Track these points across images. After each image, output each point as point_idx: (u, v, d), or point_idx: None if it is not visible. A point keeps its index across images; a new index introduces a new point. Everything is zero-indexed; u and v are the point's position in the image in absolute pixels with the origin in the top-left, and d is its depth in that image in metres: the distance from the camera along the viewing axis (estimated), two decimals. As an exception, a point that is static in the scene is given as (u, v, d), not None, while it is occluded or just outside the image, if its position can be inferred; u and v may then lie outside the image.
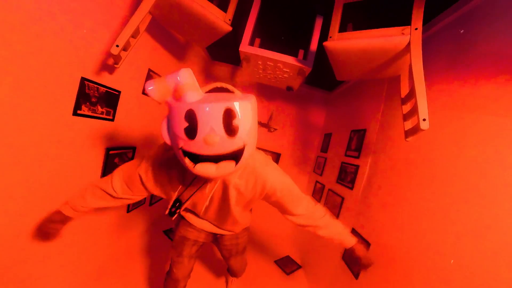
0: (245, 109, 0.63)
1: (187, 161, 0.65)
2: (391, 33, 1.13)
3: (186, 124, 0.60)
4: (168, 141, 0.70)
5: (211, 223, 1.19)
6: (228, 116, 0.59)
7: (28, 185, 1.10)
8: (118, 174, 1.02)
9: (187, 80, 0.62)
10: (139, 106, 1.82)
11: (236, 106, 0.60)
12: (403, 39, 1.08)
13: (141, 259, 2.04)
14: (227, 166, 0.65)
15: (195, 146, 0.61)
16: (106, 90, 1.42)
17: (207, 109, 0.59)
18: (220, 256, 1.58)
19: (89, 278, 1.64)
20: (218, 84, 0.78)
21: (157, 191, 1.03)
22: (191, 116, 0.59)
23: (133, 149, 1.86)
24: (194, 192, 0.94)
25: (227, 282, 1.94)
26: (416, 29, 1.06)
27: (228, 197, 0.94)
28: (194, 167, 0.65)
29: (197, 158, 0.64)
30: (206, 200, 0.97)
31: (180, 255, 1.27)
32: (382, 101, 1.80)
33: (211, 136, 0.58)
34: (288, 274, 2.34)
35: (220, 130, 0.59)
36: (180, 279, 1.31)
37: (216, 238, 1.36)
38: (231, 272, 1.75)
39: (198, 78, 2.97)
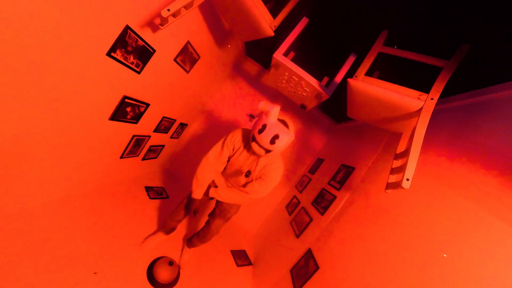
0: (283, 139, 1.24)
1: (252, 140, 1.31)
2: (409, 94, 1.14)
3: (261, 128, 1.24)
4: (252, 128, 1.34)
5: (227, 181, 1.68)
6: (274, 137, 1.23)
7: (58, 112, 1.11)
8: (210, 156, 1.51)
9: (275, 112, 1.24)
10: (165, 70, 1.82)
11: (281, 135, 1.23)
12: (417, 103, 1.09)
13: (117, 201, 2.04)
14: (261, 151, 1.30)
15: (258, 138, 1.26)
16: (143, 45, 1.42)
17: (271, 129, 1.23)
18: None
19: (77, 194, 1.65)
20: (285, 119, 1.37)
21: (228, 152, 1.51)
22: (264, 126, 1.24)
23: (146, 105, 1.86)
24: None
25: (182, 251, 1.98)
26: (432, 99, 1.07)
27: (256, 164, 1.43)
28: (252, 143, 1.30)
29: (256, 142, 1.28)
30: (246, 161, 1.48)
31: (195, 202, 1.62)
32: (378, 149, 1.81)
33: (265, 139, 1.24)
34: (238, 266, 2.35)
35: (268, 139, 1.23)
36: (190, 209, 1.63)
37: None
38: (192, 242, 1.91)
39: (226, 68, 2.96)
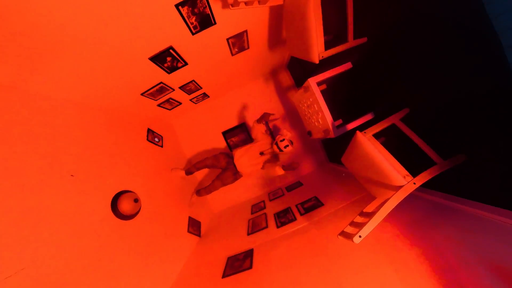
0: (289, 149, 2.22)
1: (275, 143, 2.26)
2: (398, 169, 1.14)
3: (282, 139, 2.22)
4: (276, 138, 2.28)
5: (245, 161, 2.36)
6: (286, 146, 2.19)
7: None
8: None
9: (290, 135, 2.28)
10: (214, 44, 1.82)
11: (289, 146, 2.20)
12: (401, 181, 1.10)
13: (118, 127, 2.04)
14: (277, 150, 2.24)
15: (279, 143, 2.21)
16: (209, 14, 1.42)
17: (286, 142, 2.21)
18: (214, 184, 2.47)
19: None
20: (292, 140, 2.32)
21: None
22: (283, 140, 2.22)
23: (185, 63, 1.87)
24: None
25: (192, 196, 2.64)
26: (414, 183, 1.08)
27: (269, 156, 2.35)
28: (274, 145, 2.27)
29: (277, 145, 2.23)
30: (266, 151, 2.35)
31: (218, 157, 2.47)
32: (350, 200, 1.83)
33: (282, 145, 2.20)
34: (188, 231, 2.37)
35: (283, 146, 2.19)
36: (209, 165, 2.49)
37: (232, 168, 2.40)
38: (200, 192, 2.53)
39: (264, 68, 2.95)
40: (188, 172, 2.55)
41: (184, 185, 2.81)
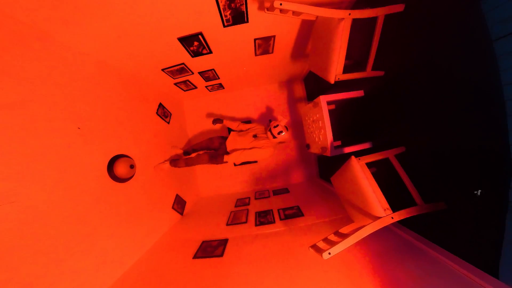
0: (283, 135, 2.03)
1: (268, 130, 2.07)
2: (381, 201, 1.15)
3: (275, 125, 2.03)
4: (270, 124, 2.08)
5: (237, 141, 2.17)
6: (280, 132, 2.01)
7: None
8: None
9: (284, 121, 2.07)
10: (241, 41, 1.82)
11: (283, 132, 2.02)
12: (380, 212, 1.11)
13: (132, 93, 2.05)
14: (270, 136, 2.05)
15: (273, 130, 2.03)
16: (244, 12, 1.42)
17: (280, 128, 2.02)
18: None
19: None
20: (287, 126, 2.11)
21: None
22: (277, 125, 2.03)
23: (209, 52, 1.87)
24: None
25: (164, 161, 2.37)
26: (392, 218, 1.09)
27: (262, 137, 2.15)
28: (267, 132, 2.08)
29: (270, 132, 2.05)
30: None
31: (213, 139, 2.33)
32: (331, 218, 1.84)
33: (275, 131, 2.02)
34: (172, 208, 2.38)
35: (277, 132, 2.01)
36: (204, 147, 2.37)
37: (223, 149, 2.20)
38: (175, 162, 2.32)
39: (282, 75, 2.94)
40: (186, 152, 2.48)
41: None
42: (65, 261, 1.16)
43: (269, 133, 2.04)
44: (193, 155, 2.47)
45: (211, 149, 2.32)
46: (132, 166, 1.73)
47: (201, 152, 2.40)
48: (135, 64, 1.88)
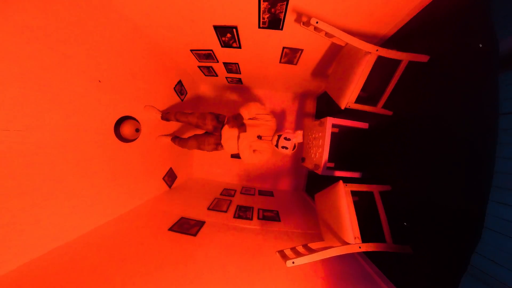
0: (287, 151, 1.75)
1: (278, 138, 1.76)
2: (354, 229, 1.15)
3: (286, 137, 1.73)
4: (282, 132, 1.79)
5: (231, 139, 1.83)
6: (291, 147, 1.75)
7: None
8: None
9: (298, 137, 1.79)
10: (270, 46, 1.82)
11: (288, 148, 1.74)
12: (350, 239, 1.12)
13: (154, 65, 2.05)
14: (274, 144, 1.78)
15: (281, 140, 1.74)
16: (281, 19, 1.42)
17: (289, 142, 1.73)
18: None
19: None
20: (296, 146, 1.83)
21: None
22: (289, 139, 1.72)
23: (238, 47, 1.86)
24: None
25: (167, 135, 2.26)
26: (360, 247, 1.09)
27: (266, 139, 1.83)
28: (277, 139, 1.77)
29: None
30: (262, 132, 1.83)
31: (205, 116, 1.90)
32: (304, 231, 1.85)
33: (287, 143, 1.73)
34: (162, 178, 2.39)
35: (283, 144, 1.73)
36: (193, 124, 1.92)
37: (217, 136, 1.90)
38: (175, 139, 2.18)
39: (298, 88, 2.93)
40: (164, 117, 2.01)
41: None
42: (48, 200, 1.16)
43: (274, 137, 1.76)
44: (184, 136, 2.32)
45: (202, 129, 1.92)
46: (137, 130, 1.74)
47: (190, 136, 2.07)
48: (167, 38, 1.88)
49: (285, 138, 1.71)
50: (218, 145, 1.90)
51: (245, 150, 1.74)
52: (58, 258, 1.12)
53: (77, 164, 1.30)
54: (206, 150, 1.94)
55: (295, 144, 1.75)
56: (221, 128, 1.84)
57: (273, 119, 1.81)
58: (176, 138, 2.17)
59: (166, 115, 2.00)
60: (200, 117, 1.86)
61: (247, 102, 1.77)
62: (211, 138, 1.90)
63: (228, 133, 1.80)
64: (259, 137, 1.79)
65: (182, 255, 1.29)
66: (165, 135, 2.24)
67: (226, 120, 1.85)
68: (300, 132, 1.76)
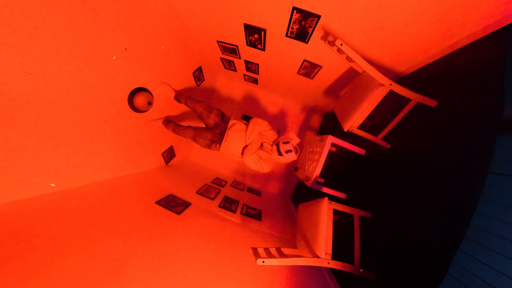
0: (289, 156, 1.56)
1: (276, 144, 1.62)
2: (327, 245, 1.16)
3: (286, 141, 1.55)
4: (280, 138, 1.64)
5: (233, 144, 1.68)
6: (288, 151, 1.54)
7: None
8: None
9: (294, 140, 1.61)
10: (291, 56, 1.82)
11: (291, 153, 1.56)
12: (321, 253, 1.13)
13: (175, 44, 2.05)
14: (275, 151, 1.61)
15: (281, 145, 1.57)
16: (308, 33, 1.42)
17: (290, 146, 1.54)
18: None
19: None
20: (297, 148, 1.65)
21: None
22: (287, 142, 1.56)
23: (263, 49, 1.86)
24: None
25: (158, 119, 2.01)
26: (328, 263, 1.10)
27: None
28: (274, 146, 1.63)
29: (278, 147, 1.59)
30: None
31: (211, 109, 1.78)
32: (281, 236, 1.85)
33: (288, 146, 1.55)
34: (161, 154, 2.40)
35: (285, 150, 1.55)
36: (197, 112, 1.81)
37: (217, 134, 1.76)
38: (168, 122, 1.98)
39: (308, 101, 2.92)
40: (177, 98, 2.00)
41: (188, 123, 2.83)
42: (54, 149, 1.17)
43: (274, 147, 1.59)
44: (183, 124, 2.09)
45: (203, 121, 1.80)
46: (149, 103, 1.75)
47: (187, 125, 1.92)
48: (198, 24, 1.88)
49: (284, 142, 1.55)
50: (213, 143, 1.71)
51: (253, 155, 1.62)
52: (46, 204, 1.13)
53: (85, 120, 1.31)
54: (200, 144, 1.76)
55: (296, 147, 1.59)
56: (225, 129, 1.72)
57: (274, 131, 1.74)
58: (170, 122, 1.97)
59: (179, 96, 1.98)
60: (206, 109, 1.76)
61: (260, 120, 1.72)
62: (208, 134, 1.73)
63: (235, 136, 1.66)
64: (261, 145, 1.69)
65: (163, 230, 1.31)
66: (156, 119, 2.00)
67: (230, 124, 1.70)
68: (291, 133, 1.63)
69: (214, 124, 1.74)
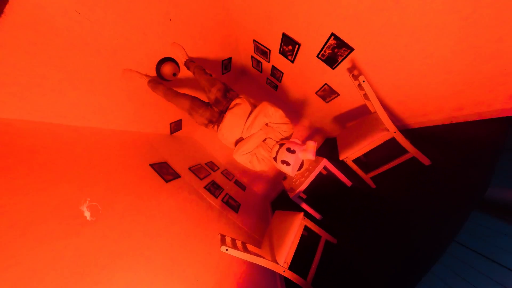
0: (287, 169, 1.11)
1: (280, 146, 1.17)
2: (288, 255, 1.17)
3: (292, 150, 1.10)
4: (287, 141, 1.18)
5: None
6: (285, 162, 1.10)
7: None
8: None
9: (308, 153, 1.07)
10: (314, 75, 1.82)
11: (290, 166, 1.10)
12: (281, 260, 1.14)
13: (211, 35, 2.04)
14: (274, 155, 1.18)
15: (283, 150, 1.13)
16: (336, 60, 1.43)
17: (296, 160, 1.09)
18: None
19: None
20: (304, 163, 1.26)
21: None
22: (293, 151, 1.09)
23: (291, 61, 1.87)
24: None
25: (145, 75, 1.56)
26: (283, 271, 1.11)
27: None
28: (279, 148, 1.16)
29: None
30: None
31: (215, 82, 1.37)
32: (251, 233, 1.86)
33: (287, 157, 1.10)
34: (169, 123, 2.41)
35: (285, 157, 1.10)
36: (202, 83, 1.45)
37: (215, 113, 1.35)
38: (157, 83, 1.56)
39: (316, 121, 2.92)
40: (187, 64, 1.67)
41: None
42: (74, 84, 1.18)
43: (275, 146, 1.17)
44: (180, 91, 1.50)
45: (204, 92, 1.42)
46: (174, 75, 1.76)
47: (185, 93, 1.46)
48: (242, 18, 1.87)
49: (288, 150, 1.08)
50: (210, 124, 1.33)
51: (246, 155, 1.22)
52: (48, 131, 1.11)
53: (109, 71, 1.31)
54: (196, 120, 1.38)
55: (302, 161, 1.13)
56: (225, 109, 1.29)
57: (290, 125, 1.28)
58: (159, 84, 1.53)
59: (190, 62, 1.64)
60: (210, 81, 1.37)
61: (271, 107, 1.21)
62: (207, 111, 1.32)
63: (233, 121, 1.23)
64: (264, 139, 1.26)
65: (147, 190, 1.31)
66: (140, 73, 1.52)
67: (233, 103, 1.27)
68: (312, 144, 1.06)
69: (214, 100, 1.33)
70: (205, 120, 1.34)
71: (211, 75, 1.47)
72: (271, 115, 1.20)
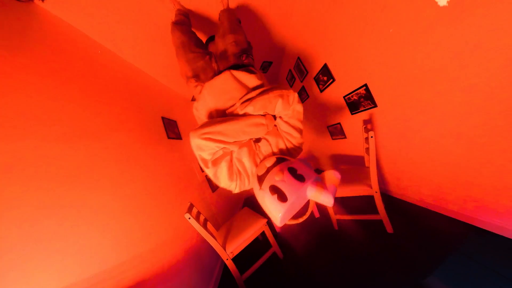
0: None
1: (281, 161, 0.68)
2: (238, 248, 1.18)
3: (301, 175, 0.62)
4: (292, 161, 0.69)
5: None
6: (279, 192, 0.60)
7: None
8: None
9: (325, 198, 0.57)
10: (331, 111, 1.81)
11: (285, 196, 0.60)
12: (230, 248, 1.14)
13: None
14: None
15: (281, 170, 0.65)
16: (357, 108, 1.43)
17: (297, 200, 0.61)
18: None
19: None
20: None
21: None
22: (303, 177, 0.61)
23: (321, 91, 1.86)
24: None
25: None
26: (227, 259, 1.12)
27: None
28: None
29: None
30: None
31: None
32: (219, 212, 1.87)
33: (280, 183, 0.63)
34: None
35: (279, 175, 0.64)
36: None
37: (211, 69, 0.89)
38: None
39: (317, 153, 2.89)
40: (184, 17, 1.09)
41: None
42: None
43: (269, 160, 0.71)
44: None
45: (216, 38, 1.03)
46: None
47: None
48: (300, 28, 1.74)
49: (292, 172, 0.63)
50: (193, 79, 0.85)
51: (229, 132, 0.67)
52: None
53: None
54: (180, 65, 0.92)
55: (307, 202, 0.67)
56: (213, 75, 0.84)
57: (302, 135, 0.83)
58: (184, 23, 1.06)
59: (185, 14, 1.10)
60: (233, 26, 0.99)
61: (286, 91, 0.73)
62: (200, 59, 0.87)
63: (231, 84, 0.76)
64: (257, 140, 0.78)
65: (150, 138, 1.30)
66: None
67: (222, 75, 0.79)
68: (336, 177, 0.63)
69: (221, 52, 0.93)
70: (191, 71, 0.85)
71: (240, 22, 1.05)
72: (291, 104, 0.73)
